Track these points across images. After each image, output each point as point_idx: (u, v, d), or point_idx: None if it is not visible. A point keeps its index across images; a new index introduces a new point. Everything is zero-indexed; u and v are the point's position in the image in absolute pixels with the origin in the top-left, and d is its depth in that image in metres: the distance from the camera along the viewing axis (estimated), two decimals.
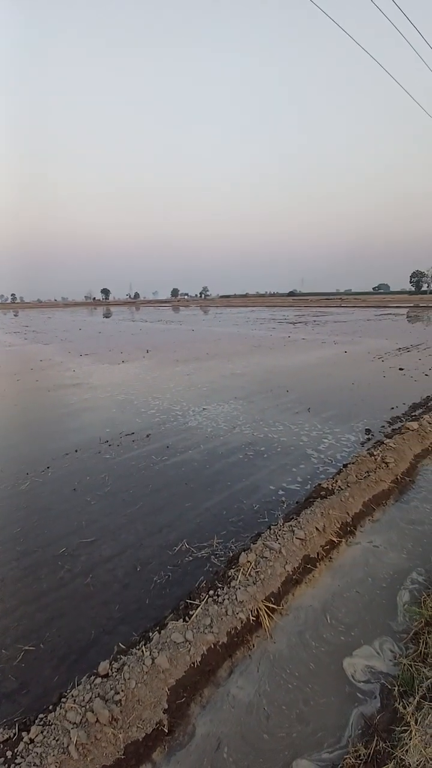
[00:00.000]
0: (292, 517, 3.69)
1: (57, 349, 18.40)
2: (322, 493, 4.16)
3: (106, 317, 52.06)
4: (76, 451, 5.82)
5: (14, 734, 2.02)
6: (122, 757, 1.99)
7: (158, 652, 2.33)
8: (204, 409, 7.76)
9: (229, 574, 2.99)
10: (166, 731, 2.14)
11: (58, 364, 14.05)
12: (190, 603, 2.74)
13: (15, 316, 65.31)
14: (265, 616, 2.75)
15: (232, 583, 2.87)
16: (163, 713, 2.18)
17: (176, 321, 38.70)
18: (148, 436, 6.33)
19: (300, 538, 3.34)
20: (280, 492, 4.45)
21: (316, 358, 13.59)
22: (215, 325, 30.93)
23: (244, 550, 3.22)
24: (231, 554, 3.34)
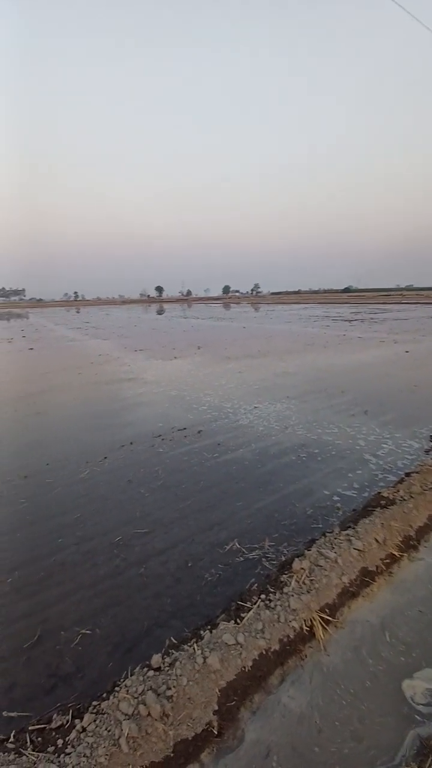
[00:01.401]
0: (349, 526, 3.51)
1: (114, 345, 19.25)
2: (382, 502, 3.92)
3: (159, 314, 53.56)
4: (131, 443, 6.03)
5: (67, 721, 2.06)
6: (171, 754, 2.00)
7: (210, 652, 2.32)
8: (255, 407, 7.67)
9: (282, 579, 2.90)
10: (216, 733, 2.12)
11: (115, 359, 14.69)
12: (242, 605, 2.71)
13: (77, 312, 69.49)
14: (320, 627, 2.64)
15: (285, 590, 2.79)
16: (213, 714, 2.17)
17: (227, 318, 38.79)
18: (199, 432, 6.39)
19: (358, 549, 3.17)
20: (335, 497, 4.26)
21: (374, 357, 12.89)
22: (266, 323, 30.57)
23: (298, 556, 3.12)
24: (283, 558, 3.25)
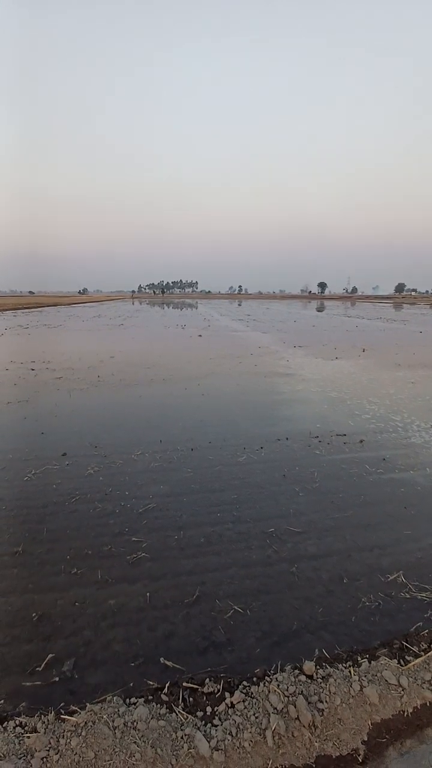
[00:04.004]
0: None
1: (273, 339, 19.66)
2: None
3: (319, 311, 52.00)
4: (287, 438, 6.06)
5: (218, 690, 2.13)
6: (312, 765, 1.94)
7: (368, 683, 2.14)
8: None
9: None
10: (360, 761, 1.98)
11: (273, 352, 14.99)
12: (407, 647, 2.40)
13: (239, 305, 73.77)
14: None
15: None
16: (362, 744, 2.02)
17: (398, 320, 34.84)
18: (361, 441, 5.94)
19: None
20: None
21: None
22: None
23: None
24: None
